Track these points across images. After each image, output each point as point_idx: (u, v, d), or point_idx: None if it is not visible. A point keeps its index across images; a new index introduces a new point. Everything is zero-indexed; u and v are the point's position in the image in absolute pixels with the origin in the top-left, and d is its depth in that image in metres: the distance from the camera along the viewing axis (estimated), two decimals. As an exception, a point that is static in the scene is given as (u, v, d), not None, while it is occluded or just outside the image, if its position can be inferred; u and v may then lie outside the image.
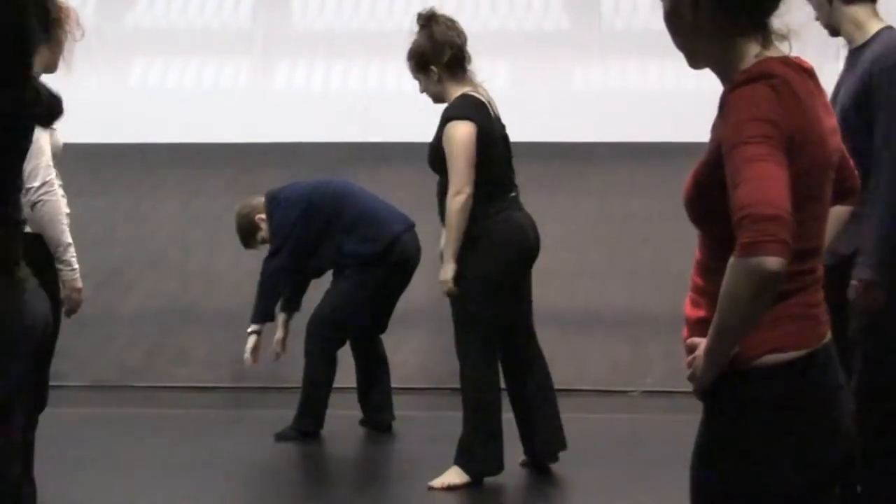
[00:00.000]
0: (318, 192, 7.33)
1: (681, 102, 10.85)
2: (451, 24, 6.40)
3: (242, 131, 10.70)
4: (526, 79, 11.45)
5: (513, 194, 6.24)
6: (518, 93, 11.38)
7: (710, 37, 2.81)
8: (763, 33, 2.83)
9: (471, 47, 11.49)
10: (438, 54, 6.29)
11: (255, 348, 7.43)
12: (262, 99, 11.37)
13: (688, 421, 7.04)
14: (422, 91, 6.43)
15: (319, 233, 7.22)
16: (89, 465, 6.36)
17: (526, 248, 6.14)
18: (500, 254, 6.04)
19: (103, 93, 10.23)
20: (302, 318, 7.42)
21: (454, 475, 5.93)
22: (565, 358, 8.04)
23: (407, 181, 8.24)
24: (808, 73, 2.84)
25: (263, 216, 7.39)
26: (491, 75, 11.44)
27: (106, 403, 8.18)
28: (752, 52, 2.80)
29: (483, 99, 6.33)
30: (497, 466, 5.97)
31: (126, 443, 7.14)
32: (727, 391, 2.74)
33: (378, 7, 11.57)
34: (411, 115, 10.91)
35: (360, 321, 7.33)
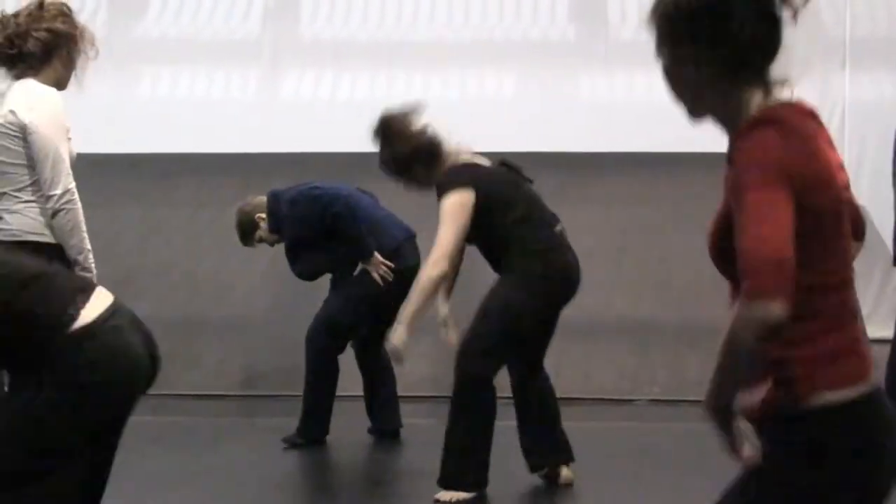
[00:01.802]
0: (323, 194, 7.31)
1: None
2: (404, 122, 6.20)
3: (251, 141, 10.73)
4: (532, 88, 11.48)
5: (558, 229, 6.14)
6: (524, 102, 11.41)
7: (712, 90, 2.82)
8: (764, 82, 2.85)
9: (477, 56, 11.56)
10: (410, 161, 6.14)
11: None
12: (271, 109, 11.41)
13: (693, 429, 7.09)
14: (410, 187, 6.31)
15: (321, 235, 7.19)
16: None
17: (574, 289, 6.12)
18: (549, 287, 6.02)
19: (114, 103, 10.26)
20: (301, 328, 7.41)
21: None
22: (571, 366, 8.05)
23: (410, 190, 8.23)
24: (810, 115, 2.88)
25: (264, 215, 7.39)
26: (497, 84, 11.56)
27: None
28: (755, 102, 2.81)
29: (468, 160, 6.18)
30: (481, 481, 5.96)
31: (136, 449, 7.12)
32: (787, 435, 2.71)
33: (385, 18, 11.60)
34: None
35: (358, 329, 7.34)
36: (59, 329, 3.49)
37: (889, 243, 9.98)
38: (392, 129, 6.18)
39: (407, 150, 6.12)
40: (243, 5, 11.65)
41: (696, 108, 2.87)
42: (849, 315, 2.76)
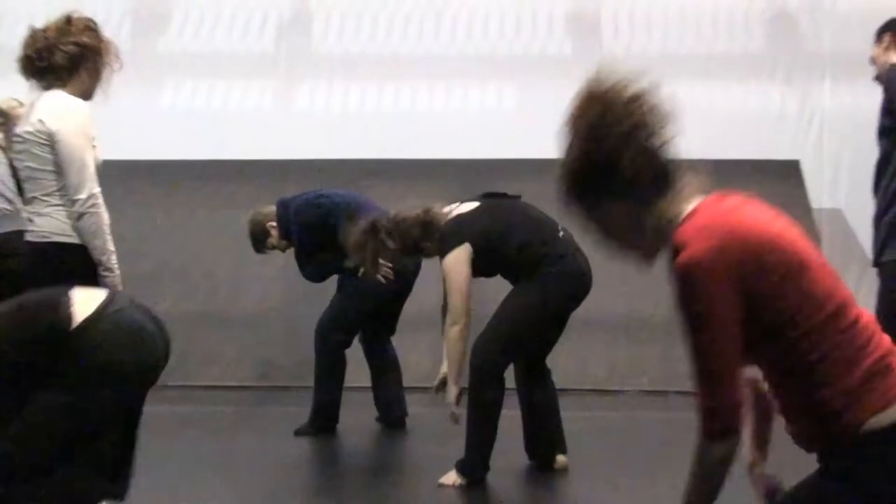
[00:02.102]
0: (329, 201, 7.30)
1: (679, 122, 10.85)
2: (392, 223, 6.12)
3: (266, 148, 10.74)
4: (531, 99, 11.47)
5: (561, 234, 6.10)
6: (524, 112, 11.41)
7: (637, 225, 2.78)
8: (674, 190, 2.79)
9: (480, 70, 11.53)
10: (413, 246, 6.12)
11: None
12: (285, 118, 11.42)
13: (679, 418, 7.06)
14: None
15: (326, 240, 7.17)
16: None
17: (585, 290, 6.12)
18: (564, 290, 6.01)
19: (138, 112, 10.27)
20: (312, 324, 7.41)
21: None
22: (567, 359, 8.05)
23: (416, 195, 8.24)
24: (723, 198, 2.82)
25: (275, 223, 7.40)
26: (498, 96, 11.56)
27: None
28: (674, 211, 2.77)
29: (456, 212, 6.11)
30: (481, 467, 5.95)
31: (159, 437, 7.13)
32: (845, 461, 2.67)
33: (392, 34, 11.59)
34: (422, 134, 10.97)
35: (364, 324, 7.34)
36: (61, 333, 3.62)
37: (865, 245, 9.99)
38: (377, 231, 6.14)
39: (405, 243, 6.10)
40: (259, 22, 11.65)
41: (637, 246, 2.83)
42: (863, 336, 2.70)
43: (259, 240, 7.50)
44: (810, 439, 2.73)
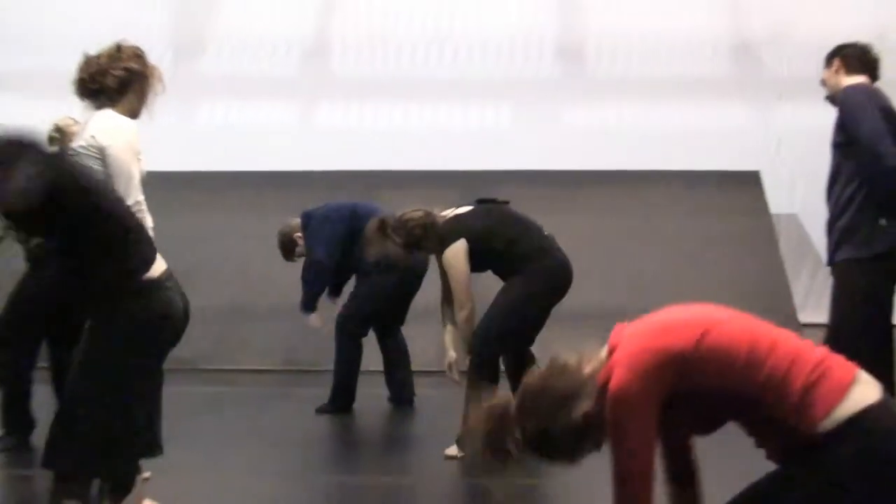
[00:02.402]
0: (347, 212, 7.30)
1: (652, 137, 10.86)
2: (398, 223, 6.10)
3: (290, 161, 10.75)
4: (525, 117, 11.49)
5: (545, 232, 6.15)
6: (518, 129, 11.42)
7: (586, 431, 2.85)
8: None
9: (479, 91, 11.55)
10: (415, 243, 6.10)
11: (320, 319, 7.48)
12: (307, 134, 11.44)
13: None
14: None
15: (345, 245, 7.20)
16: (166, 432, 6.38)
17: (567, 283, 6.11)
18: (549, 283, 6.02)
19: (177, 129, 10.26)
20: (332, 315, 7.41)
21: None
22: (552, 346, 8.02)
23: (422, 201, 8.22)
24: (627, 326, 2.91)
25: (300, 234, 7.41)
26: (496, 114, 11.56)
27: (181, 383, 8.17)
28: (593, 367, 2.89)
29: (453, 214, 6.12)
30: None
31: (196, 414, 7.17)
32: (815, 459, 2.67)
33: (401, 60, 11.60)
34: (428, 148, 10.99)
35: (379, 316, 7.34)
36: (135, 273, 3.77)
37: (819, 247, 9.99)
38: (386, 229, 6.13)
39: (409, 239, 6.08)
40: (284, 49, 11.66)
41: (585, 448, 2.89)
42: (785, 360, 2.71)
43: (288, 249, 7.53)
44: (784, 453, 2.74)
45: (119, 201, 3.98)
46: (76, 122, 7.21)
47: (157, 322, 3.78)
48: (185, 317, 3.92)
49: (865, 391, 2.67)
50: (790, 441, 2.68)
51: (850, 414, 2.63)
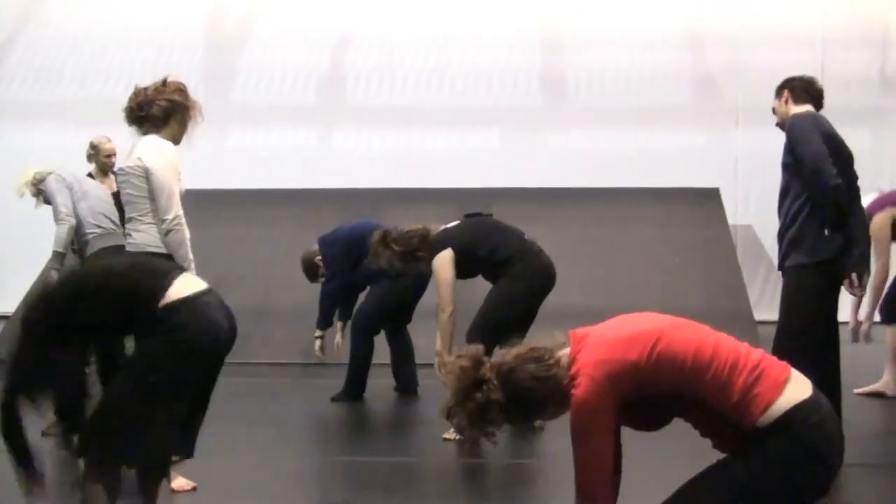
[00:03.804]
0: (355, 232, 7.25)
1: (625, 158, 10.88)
2: (399, 234, 6.11)
3: (309, 179, 10.75)
4: (513, 141, 11.51)
5: (526, 237, 6.14)
6: (506, 152, 11.43)
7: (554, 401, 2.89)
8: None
9: (472, 119, 11.55)
10: (412, 253, 6.09)
11: (321, 346, 7.50)
12: (323, 156, 11.45)
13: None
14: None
15: (356, 260, 7.14)
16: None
17: (550, 282, 6.11)
18: (532, 282, 6.01)
19: (211, 152, 10.29)
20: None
21: None
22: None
23: (425, 214, 8.24)
24: (580, 338, 2.89)
25: (319, 258, 7.39)
26: (487, 138, 11.57)
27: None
28: (563, 362, 2.87)
29: (440, 229, 6.11)
30: None
31: (226, 402, 7.11)
32: (752, 449, 2.66)
33: (406, 90, 11.62)
34: (430, 168, 11.01)
35: (390, 315, 7.33)
36: (152, 301, 3.50)
37: (771, 254, 10.01)
38: (384, 243, 6.14)
39: (411, 250, 6.10)
40: (304, 81, 11.69)
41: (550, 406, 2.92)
42: (727, 363, 2.70)
43: (311, 273, 7.49)
44: (728, 444, 2.74)
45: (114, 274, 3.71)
46: (109, 139, 7.21)
47: (185, 340, 3.52)
48: (226, 328, 3.68)
49: (797, 389, 2.68)
50: (733, 434, 2.69)
51: (784, 410, 2.63)
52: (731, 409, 2.65)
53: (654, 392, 2.71)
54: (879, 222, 6.58)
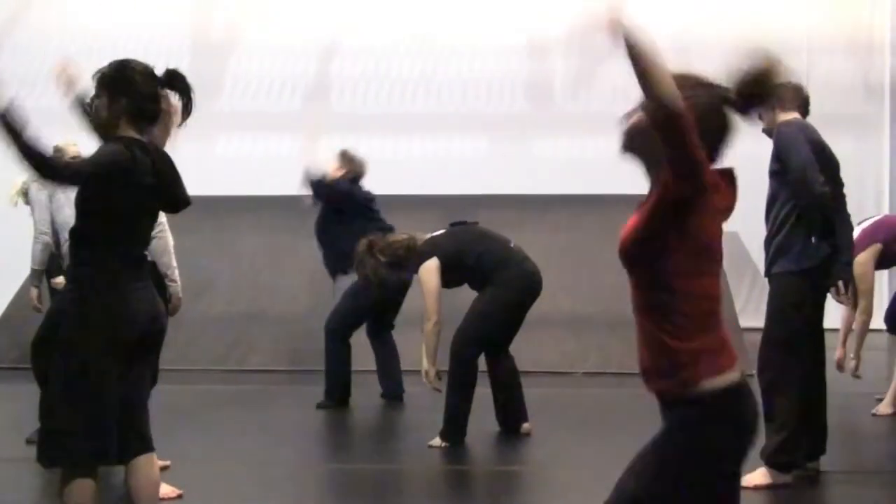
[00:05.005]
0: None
1: (610, 165, 10.87)
2: (384, 243, 6.10)
3: (295, 187, 10.69)
4: (499, 148, 11.50)
5: (512, 245, 6.12)
6: (493, 158, 11.43)
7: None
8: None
9: (458, 126, 11.52)
10: (397, 262, 6.07)
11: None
12: (310, 163, 11.38)
13: (615, 394, 7.04)
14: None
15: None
16: (185, 424, 6.35)
17: (536, 289, 6.08)
18: (518, 289, 5.98)
19: (196, 159, 10.19)
20: (320, 320, 7.37)
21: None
22: (527, 347, 8.01)
23: (411, 222, 8.23)
24: None
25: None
26: (474, 145, 11.56)
27: (198, 381, 8.15)
28: None
29: (426, 239, 6.10)
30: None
31: (211, 409, 7.13)
32: (687, 412, 2.55)
33: (392, 97, 11.61)
34: (415, 175, 10.98)
35: (363, 318, 7.24)
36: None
37: (756, 261, 10.00)
38: (370, 253, 6.10)
39: (396, 259, 6.06)
40: (290, 88, 11.68)
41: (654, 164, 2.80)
42: (718, 321, 2.64)
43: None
44: (657, 375, 2.59)
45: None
46: (75, 143, 7.17)
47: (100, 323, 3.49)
48: (149, 318, 3.60)
49: (738, 377, 2.59)
50: (667, 373, 2.56)
51: (715, 388, 2.53)
52: (686, 351, 2.54)
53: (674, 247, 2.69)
54: (863, 261, 6.35)
